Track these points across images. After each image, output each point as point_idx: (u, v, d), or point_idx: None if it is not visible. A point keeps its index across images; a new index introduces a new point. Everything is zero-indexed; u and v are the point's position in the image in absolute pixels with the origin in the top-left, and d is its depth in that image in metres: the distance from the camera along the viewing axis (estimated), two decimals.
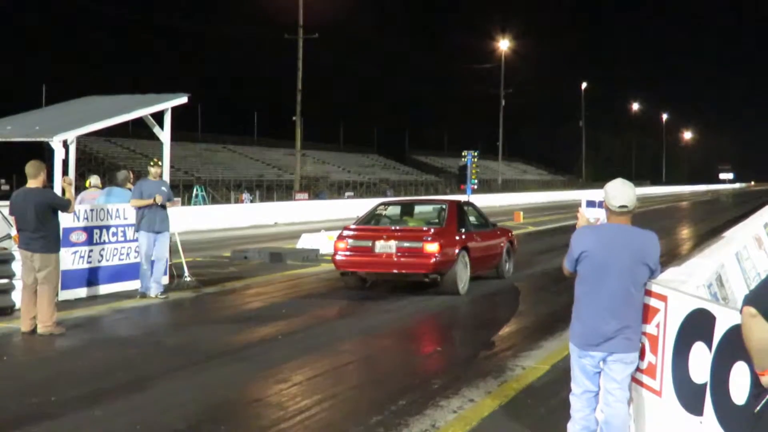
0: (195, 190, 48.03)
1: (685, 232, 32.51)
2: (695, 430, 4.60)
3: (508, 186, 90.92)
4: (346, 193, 66.90)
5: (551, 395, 7.63)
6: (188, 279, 14.69)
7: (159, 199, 13.24)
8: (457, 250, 13.95)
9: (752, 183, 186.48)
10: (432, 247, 13.52)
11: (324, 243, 21.98)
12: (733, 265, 9.19)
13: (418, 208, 16.50)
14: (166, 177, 14.48)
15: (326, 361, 9.26)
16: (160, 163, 14.59)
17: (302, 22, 51.92)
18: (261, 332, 10.89)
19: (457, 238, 14.19)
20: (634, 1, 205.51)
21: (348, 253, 14.12)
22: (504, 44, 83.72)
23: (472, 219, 15.49)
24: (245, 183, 62.98)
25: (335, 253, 14.30)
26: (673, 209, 56.21)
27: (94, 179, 14.99)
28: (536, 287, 15.53)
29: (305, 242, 22.22)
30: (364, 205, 44.08)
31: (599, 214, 5.89)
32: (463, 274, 14.19)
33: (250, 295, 14.48)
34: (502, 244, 16.21)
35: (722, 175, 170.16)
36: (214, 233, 30.05)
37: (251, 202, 50.42)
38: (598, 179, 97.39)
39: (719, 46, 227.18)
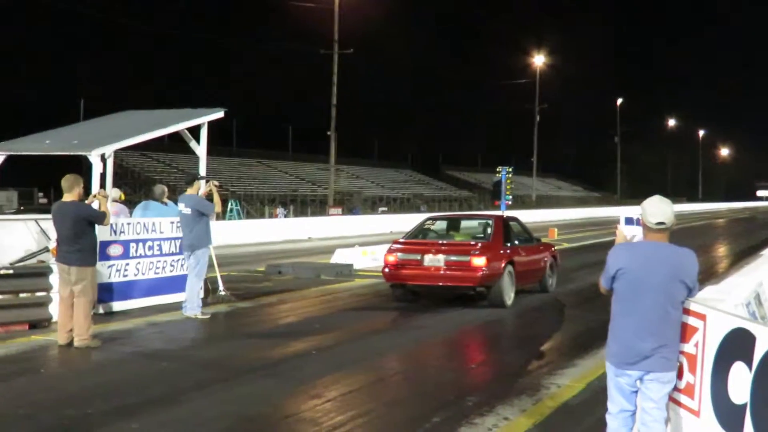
0: (230, 204, 48.30)
1: (722, 250, 32.17)
2: None
3: (543, 202, 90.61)
4: (380, 209, 66.96)
5: (587, 414, 7.57)
6: (223, 293, 14.76)
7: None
8: (503, 264, 14.22)
9: None
10: (479, 261, 13.82)
11: (358, 258, 22.05)
12: None
13: (464, 223, 17.04)
14: (202, 191, 14.54)
15: (360, 377, 9.26)
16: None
17: (337, 38, 52.23)
18: (295, 347, 10.90)
19: (503, 252, 14.47)
20: (671, 17, 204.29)
21: (397, 266, 14.43)
22: (539, 60, 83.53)
23: (516, 234, 15.74)
24: (279, 197, 63.26)
25: (385, 266, 14.67)
26: (709, 227, 55.67)
27: (114, 192, 14.19)
28: (572, 304, 15.43)
29: (339, 257, 22.27)
30: (398, 221, 44.30)
31: (636, 232, 5.84)
32: (509, 287, 14.46)
33: (284, 309, 14.52)
34: (546, 259, 16.47)
35: (760, 193, 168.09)
36: (248, 248, 30.18)
37: (285, 216, 50.64)
38: (634, 196, 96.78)
39: (758, 61, 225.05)
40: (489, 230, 15.04)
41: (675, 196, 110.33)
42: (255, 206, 57.91)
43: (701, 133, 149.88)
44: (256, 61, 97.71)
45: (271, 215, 52.10)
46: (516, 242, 15.30)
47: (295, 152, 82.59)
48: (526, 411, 7.75)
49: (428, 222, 16.41)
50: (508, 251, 14.64)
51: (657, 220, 5.32)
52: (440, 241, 14.80)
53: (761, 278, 8.68)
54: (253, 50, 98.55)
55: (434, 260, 14.14)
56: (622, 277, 5.38)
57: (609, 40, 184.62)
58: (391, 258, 14.55)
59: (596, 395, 7.79)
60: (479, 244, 14.31)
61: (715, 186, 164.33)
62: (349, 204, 63.70)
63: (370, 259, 22.28)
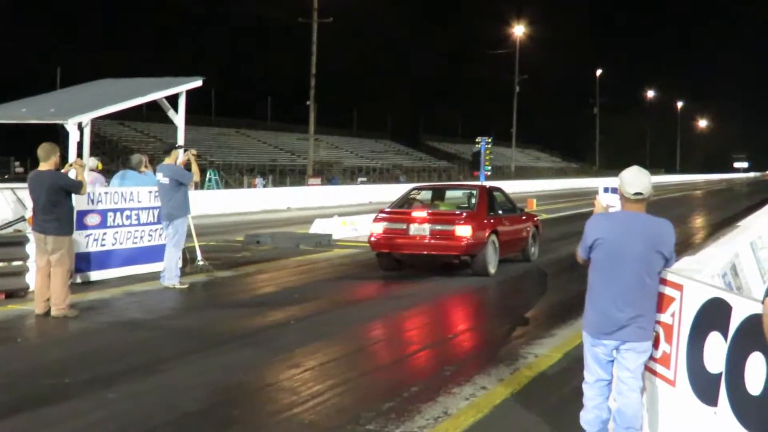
0: (208, 174, 48.09)
1: (699, 221, 32.37)
2: (709, 420, 4.57)
3: (522, 173, 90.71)
4: (359, 179, 66.93)
5: (564, 383, 7.61)
6: (201, 263, 14.72)
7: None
8: (487, 233, 14.44)
9: (767, 172, 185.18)
10: (463, 231, 14.04)
11: (337, 228, 22.04)
12: (748, 254, 9.15)
13: (449, 193, 17.33)
14: (180, 160, 14.42)
15: (339, 347, 9.28)
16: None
17: (317, 6, 51.87)
18: (273, 317, 10.90)
19: (487, 222, 14.67)
20: None
21: (383, 234, 14.61)
22: (519, 30, 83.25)
23: (500, 204, 15.95)
24: (258, 167, 63.06)
25: (371, 235, 14.83)
26: (687, 198, 55.99)
27: (91, 161, 14.09)
28: (552, 273, 15.52)
29: (318, 227, 22.26)
30: (378, 191, 44.28)
31: (613, 201, 5.85)
32: (492, 256, 14.67)
33: (263, 279, 14.51)
34: (528, 229, 16.69)
35: (737, 164, 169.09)
36: (227, 218, 30.10)
37: (264, 186, 50.51)
38: (612, 167, 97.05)
39: (735, 33, 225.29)
40: (473, 200, 15.29)
41: (653, 167, 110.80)
42: (234, 176, 57.71)
43: (680, 105, 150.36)
44: (236, 29, 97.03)
45: (250, 185, 51.94)
46: (500, 212, 15.53)
47: (274, 122, 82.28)
48: (504, 380, 7.79)
49: (414, 192, 16.67)
50: (492, 221, 14.84)
51: (635, 191, 5.32)
52: (426, 211, 14.92)
53: (737, 249, 8.74)
54: (232, 19, 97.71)
55: (420, 229, 14.31)
56: (600, 246, 5.39)
57: (595, 10, 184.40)
58: (377, 227, 14.72)
59: (573, 364, 7.83)
60: (464, 214, 14.50)
61: (693, 157, 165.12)
62: (328, 174, 63.59)
63: (350, 229, 22.29)
